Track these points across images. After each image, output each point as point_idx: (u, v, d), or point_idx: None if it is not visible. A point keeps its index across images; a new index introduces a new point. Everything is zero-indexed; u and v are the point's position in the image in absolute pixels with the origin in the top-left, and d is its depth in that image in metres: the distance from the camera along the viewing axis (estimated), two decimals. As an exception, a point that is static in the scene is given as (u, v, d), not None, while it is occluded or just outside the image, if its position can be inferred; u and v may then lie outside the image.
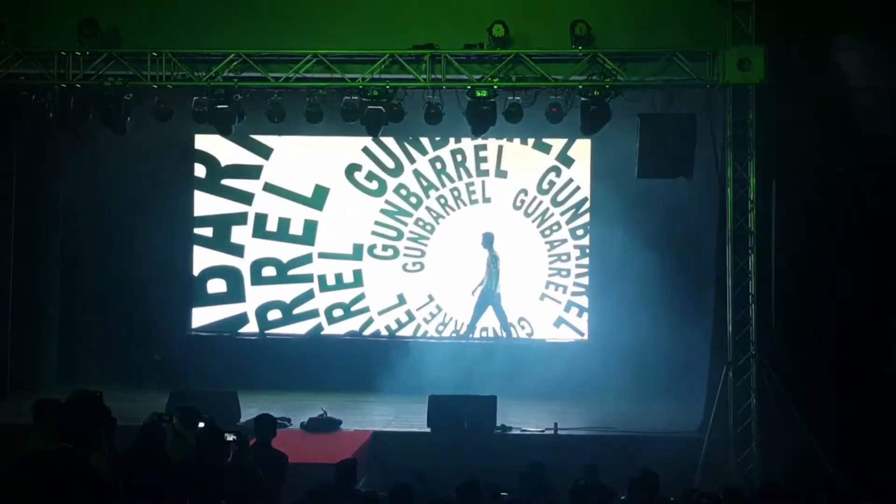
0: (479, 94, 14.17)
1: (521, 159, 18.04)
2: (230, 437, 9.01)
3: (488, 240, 17.83)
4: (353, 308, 18.19)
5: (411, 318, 18.11)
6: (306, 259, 18.22)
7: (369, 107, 14.36)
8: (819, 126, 13.86)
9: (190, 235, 18.25)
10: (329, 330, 18.18)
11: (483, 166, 18.05)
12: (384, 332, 18.12)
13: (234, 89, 14.46)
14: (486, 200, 18.14)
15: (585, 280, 17.97)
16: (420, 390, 15.27)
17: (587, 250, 17.97)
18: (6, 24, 14.34)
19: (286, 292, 18.25)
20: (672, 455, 13.04)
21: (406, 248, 18.19)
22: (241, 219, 18.25)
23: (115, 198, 17.56)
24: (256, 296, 18.27)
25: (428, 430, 14.32)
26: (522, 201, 18.06)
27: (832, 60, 13.74)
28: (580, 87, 14.07)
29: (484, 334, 17.99)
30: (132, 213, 17.63)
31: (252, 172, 18.20)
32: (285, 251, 18.24)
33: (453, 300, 18.05)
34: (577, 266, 18.00)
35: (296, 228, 18.22)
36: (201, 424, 9.47)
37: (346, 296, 18.21)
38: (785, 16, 13.83)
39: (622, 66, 13.99)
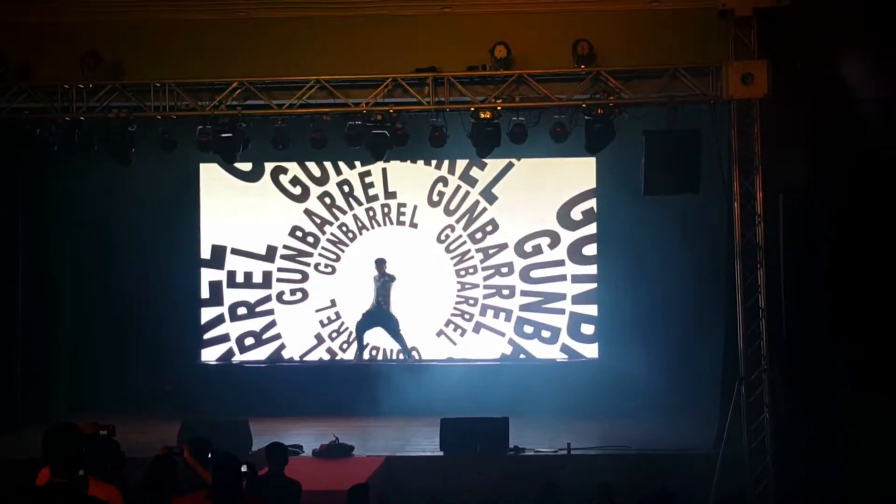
0: (482, 115, 14.18)
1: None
2: (242, 468, 8.96)
3: (379, 264, 17.82)
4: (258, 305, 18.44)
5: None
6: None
7: (373, 131, 14.38)
8: (824, 138, 13.83)
9: (197, 265, 18.30)
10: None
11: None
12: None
13: (238, 118, 14.48)
14: (413, 225, 18.23)
15: (594, 302, 17.98)
16: (430, 414, 15.26)
17: (596, 266, 17.99)
18: (9, 59, 14.37)
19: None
20: (687, 472, 13.02)
21: (322, 248, 18.31)
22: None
23: (123, 229, 17.58)
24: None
25: (441, 453, 14.27)
26: (447, 236, 18.15)
27: (836, 73, 13.72)
28: (584, 105, 14.07)
29: (437, 355, 18.07)
30: (139, 245, 17.69)
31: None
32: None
33: (353, 311, 18.09)
34: (585, 281, 18.03)
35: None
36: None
37: (252, 295, 18.42)
38: (787, 29, 13.81)
39: (625, 83, 13.97)
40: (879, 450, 13.06)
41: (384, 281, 17.72)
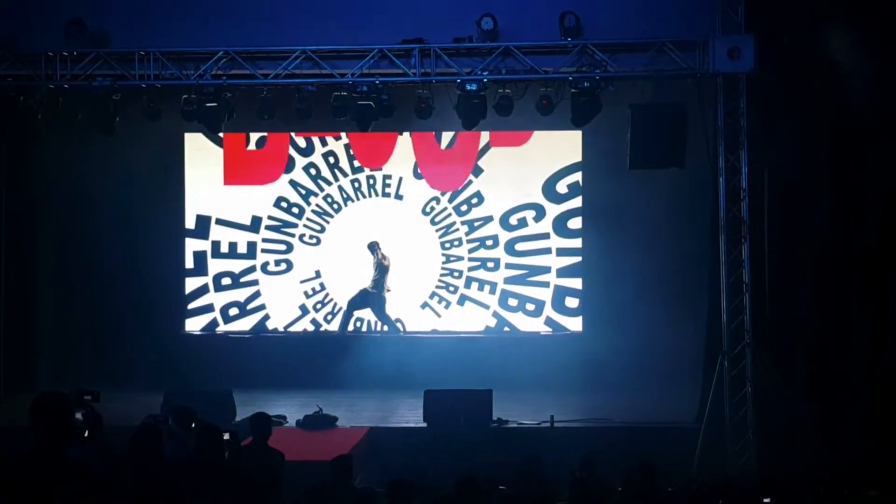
0: (468, 87, 14.13)
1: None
2: (224, 437, 8.98)
3: (372, 247, 17.87)
4: (243, 276, 18.37)
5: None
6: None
7: (359, 102, 14.32)
8: (809, 113, 13.84)
9: (182, 234, 18.25)
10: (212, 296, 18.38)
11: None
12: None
13: (223, 87, 14.41)
14: (399, 197, 18.19)
15: (578, 275, 18.00)
16: (414, 385, 15.28)
17: (581, 240, 17.98)
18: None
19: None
20: (669, 446, 13.09)
21: (308, 219, 18.26)
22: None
23: (107, 198, 17.49)
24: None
25: (424, 425, 14.29)
26: (432, 208, 18.13)
27: (822, 47, 13.71)
28: (570, 78, 14.03)
29: (421, 327, 18.06)
30: (123, 214, 17.60)
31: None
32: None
33: (338, 282, 18.13)
34: (570, 254, 18.03)
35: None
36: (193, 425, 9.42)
37: (237, 265, 18.37)
38: (774, 4, 13.79)
39: (612, 56, 13.94)
40: (858, 423, 13.15)
41: (377, 264, 17.75)
